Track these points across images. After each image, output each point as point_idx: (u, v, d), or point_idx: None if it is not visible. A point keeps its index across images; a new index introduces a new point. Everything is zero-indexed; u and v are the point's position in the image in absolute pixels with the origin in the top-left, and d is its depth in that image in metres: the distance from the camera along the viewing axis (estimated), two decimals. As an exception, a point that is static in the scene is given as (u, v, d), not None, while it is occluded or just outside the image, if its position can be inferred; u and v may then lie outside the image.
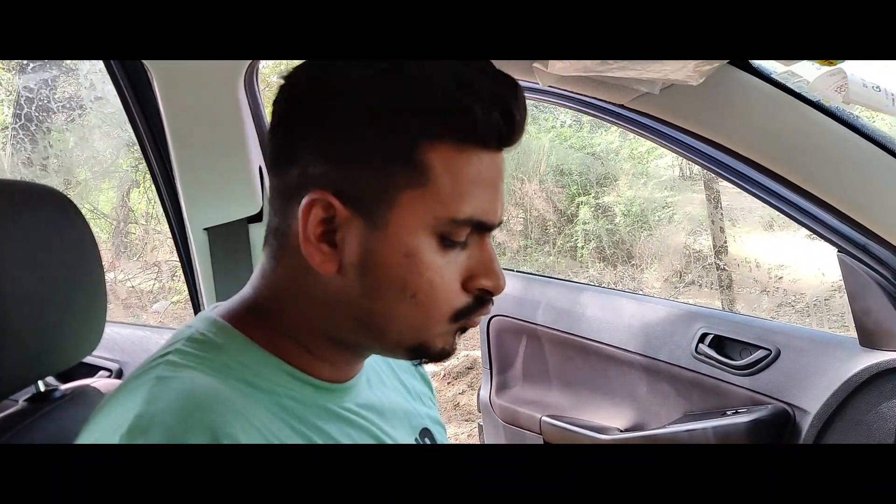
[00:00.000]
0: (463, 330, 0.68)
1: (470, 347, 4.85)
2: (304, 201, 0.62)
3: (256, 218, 1.27)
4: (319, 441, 0.65)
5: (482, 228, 0.65)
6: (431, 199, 0.62)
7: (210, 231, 1.25)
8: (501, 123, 0.63)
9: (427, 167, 0.61)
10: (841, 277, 1.35)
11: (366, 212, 0.62)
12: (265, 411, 0.62)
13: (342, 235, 0.63)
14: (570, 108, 1.34)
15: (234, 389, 0.62)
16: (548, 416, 1.76)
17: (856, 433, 1.34)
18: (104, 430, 0.58)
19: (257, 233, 1.26)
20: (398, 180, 0.61)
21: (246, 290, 0.70)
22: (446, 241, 0.64)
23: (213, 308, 0.71)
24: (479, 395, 1.96)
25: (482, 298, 0.67)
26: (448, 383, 4.82)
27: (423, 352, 0.67)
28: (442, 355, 0.68)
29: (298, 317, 0.67)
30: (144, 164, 1.43)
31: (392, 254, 0.62)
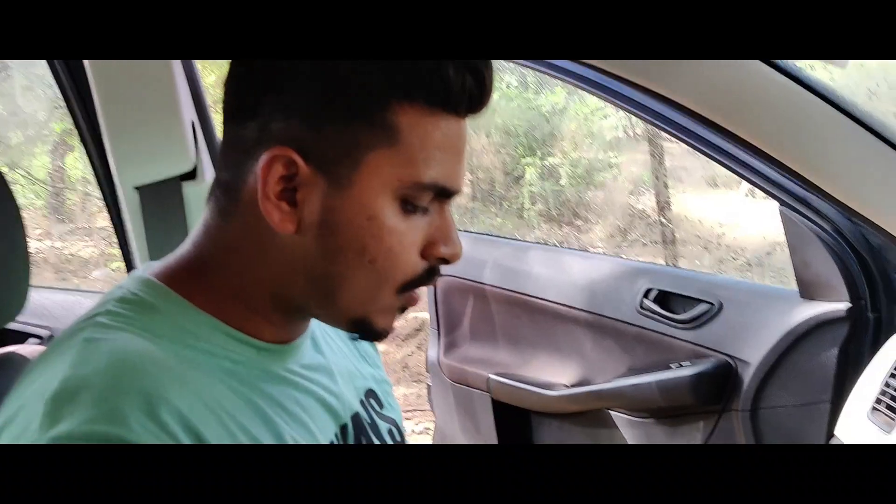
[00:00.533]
0: (403, 309, 0.67)
1: (418, 309, 4.85)
2: (265, 157, 0.60)
3: (190, 176, 1.22)
4: (261, 403, 0.63)
5: (444, 194, 0.64)
6: (398, 161, 0.60)
7: (141, 190, 1.20)
8: (473, 88, 0.62)
9: (396, 128, 0.60)
10: (780, 233, 1.37)
11: (329, 171, 0.60)
12: (203, 374, 0.60)
13: (303, 194, 0.60)
14: (516, 63, 1.31)
15: (168, 351, 0.59)
16: (495, 374, 1.76)
17: (795, 383, 1.37)
18: (28, 396, 0.54)
19: (191, 191, 1.21)
20: (365, 140, 0.60)
21: (185, 248, 0.67)
22: (408, 206, 0.62)
23: (146, 268, 0.68)
24: (427, 355, 1.95)
25: (434, 268, 0.66)
26: (397, 345, 4.83)
27: (364, 327, 0.66)
28: (380, 334, 0.67)
29: (245, 276, 0.64)
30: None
31: (354, 216, 0.61)
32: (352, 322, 0.66)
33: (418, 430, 3.48)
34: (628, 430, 1.61)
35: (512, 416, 1.78)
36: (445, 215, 0.66)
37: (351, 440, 0.74)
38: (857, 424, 1.15)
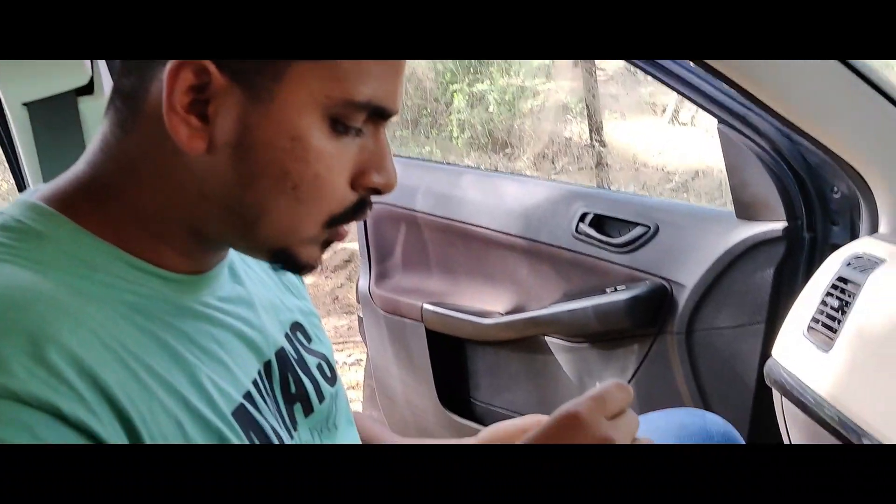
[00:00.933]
0: (328, 243, 0.60)
1: (348, 240, 4.77)
2: (172, 63, 0.51)
3: (86, 90, 1.10)
4: (171, 340, 0.56)
5: (380, 115, 0.57)
6: (327, 75, 0.53)
7: (31, 107, 1.07)
8: None
9: None
10: (705, 158, 1.34)
11: (247, 82, 0.52)
12: (100, 309, 0.52)
13: (215, 108, 0.52)
14: None
15: (59, 284, 0.51)
16: (429, 303, 1.71)
17: (731, 305, 1.37)
18: None
19: (88, 107, 1.09)
20: None
21: (78, 167, 0.58)
22: (339, 126, 0.55)
23: (33, 192, 0.58)
24: (357, 286, 1.89)
25: (364, 201, 0.59)
26: (326, 277, 4.75)
27: (286, 259, 0.59)
28: (304, 267, 0.60)
29: (148, 199, 0.56)
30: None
31: (275, 135, 0.53)
32: (273, 253, 0.59)
33: (350, 362, 3.45)
34: (563, 355, 1.59)
35: (446, 345, 1.75)
36: (380, 139, 0.58)
37: (276, 377, 0.68)
38: (794, 344, 1.15)
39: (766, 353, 1.34)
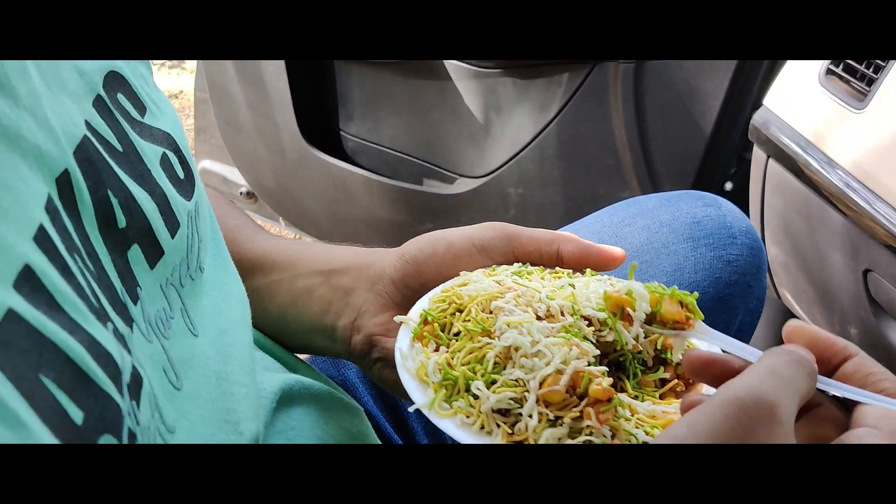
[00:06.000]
0: None
1: None
2: None
3: None
4: None
5: None
6: None
7: None
8: None
9: None
10: None
11: None
12: None
13: None
14: None
15: None
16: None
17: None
18: None
19: None
20: None
21: None
22: None
23: None
24: None
25: None
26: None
27: None
28: None
29: None
30: None
31: None
32: None
33: (166, 65, 2.87)
34: (466, 82, 1.25)
35: (310, 62, 1.35)
36: None
37: (84, 200, 0.32)
38: (801, 94, 0.88)
39: (732, 94, 1.08)
